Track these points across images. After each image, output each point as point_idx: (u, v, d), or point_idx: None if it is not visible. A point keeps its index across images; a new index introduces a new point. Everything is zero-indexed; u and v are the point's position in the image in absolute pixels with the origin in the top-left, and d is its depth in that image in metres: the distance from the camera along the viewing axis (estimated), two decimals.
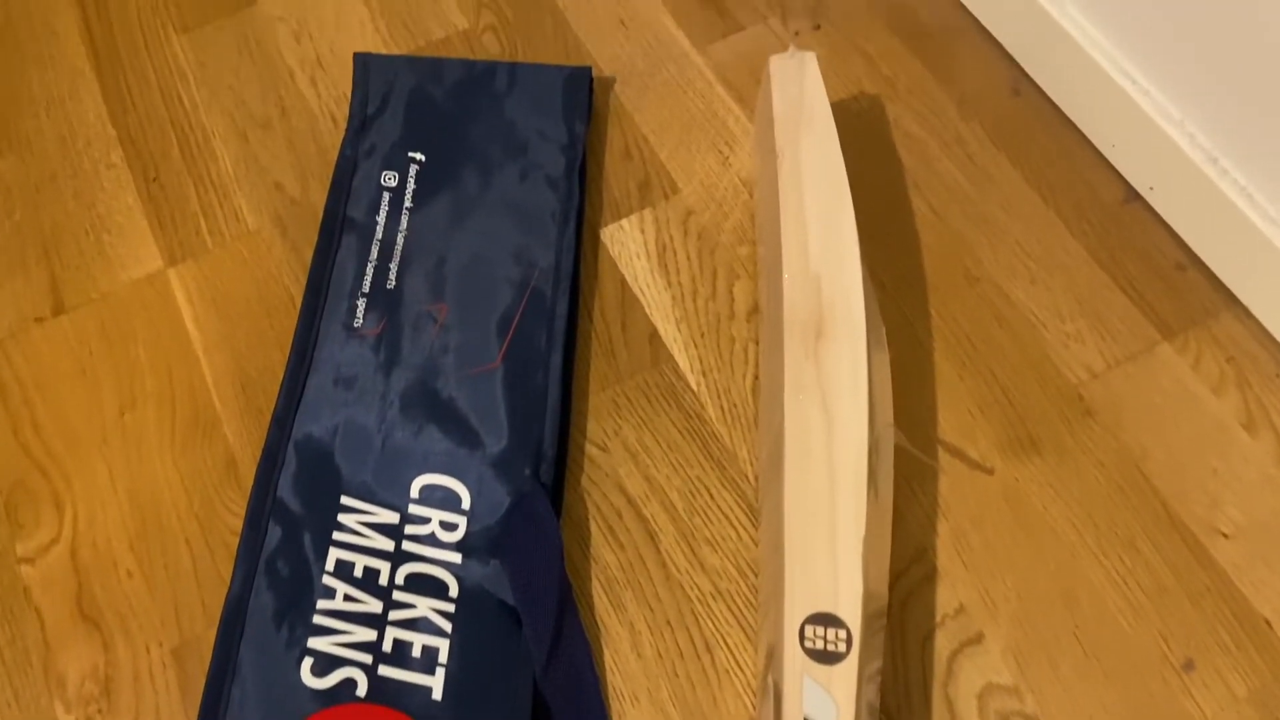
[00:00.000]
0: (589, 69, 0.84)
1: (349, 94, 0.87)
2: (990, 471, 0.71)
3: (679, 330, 0.77)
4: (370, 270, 0.76)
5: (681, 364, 0.75)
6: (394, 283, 0.75)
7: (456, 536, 0.66)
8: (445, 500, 0.67)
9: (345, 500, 0.67)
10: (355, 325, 0.73)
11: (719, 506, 0.70)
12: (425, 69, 0.84)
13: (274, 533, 0.66)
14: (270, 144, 0.86)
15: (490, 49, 0.89)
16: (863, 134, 0.84)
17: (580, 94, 0.83)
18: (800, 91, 0.70)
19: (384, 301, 0.74)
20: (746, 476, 0.71)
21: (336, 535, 0.66)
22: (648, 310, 0.77)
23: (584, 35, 0.90)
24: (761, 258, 0.77)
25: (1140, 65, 0.75)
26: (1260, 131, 0.68)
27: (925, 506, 0.69)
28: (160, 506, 0.71)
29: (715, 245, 0.80)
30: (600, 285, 0.79)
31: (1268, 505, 0.68)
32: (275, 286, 0.79)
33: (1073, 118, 0.82)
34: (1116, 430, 0.71)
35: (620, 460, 0.72)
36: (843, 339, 0.62)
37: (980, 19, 0.88)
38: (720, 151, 0.84)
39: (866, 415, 0.59)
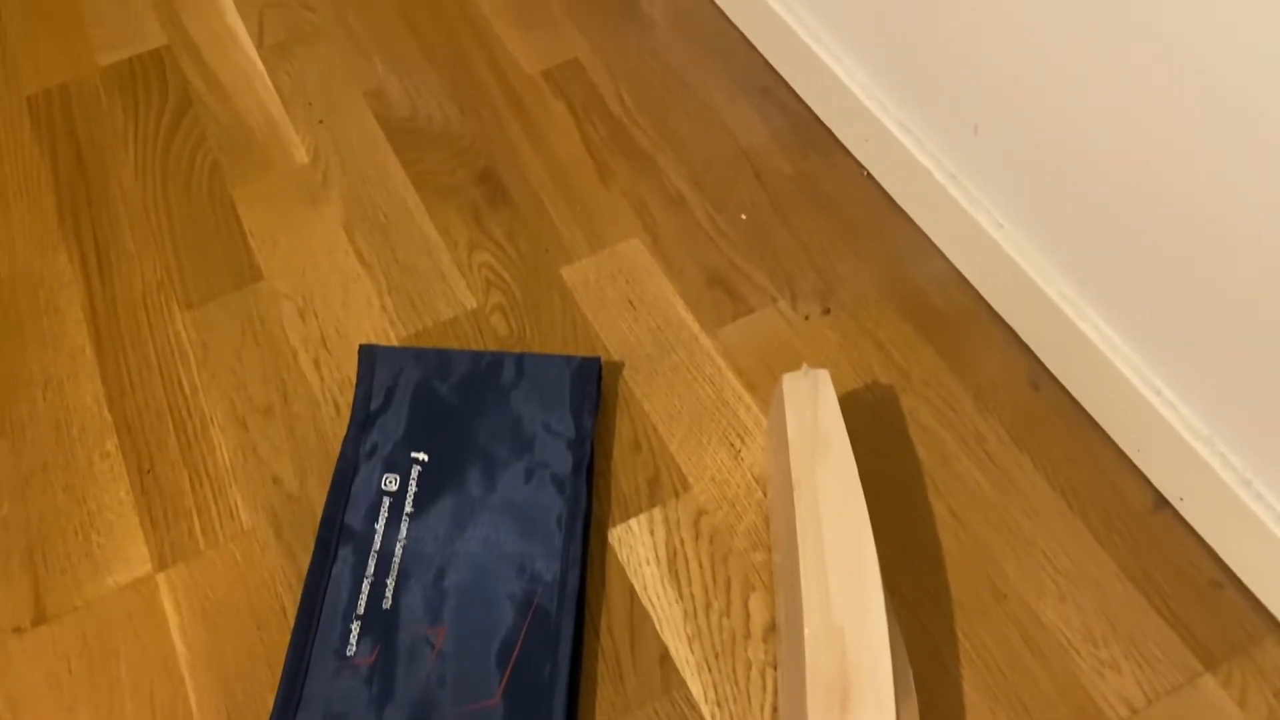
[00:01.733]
0: (598, 360, 0.83)
1: (353, 377, 0.85)
2: None
3: (691, 650, 0.72)
4: (366, 588, 0.72)
5: (694, 691, 0.71)
6: (390, 602, 0.72)
7: None
8: None
9: None
10: (348, 654, 0.69)
11: None
12: (431, 362, 0.82)
13: None
14: (270, 432, 0.83)
15: (499, 330, 0.88)
16: (878, 428, 0.82)
17: (589, 386, 0.81)
18: (815, 415, 0.68)
19: (379, 624, 0.71)
20: None
21: None
22: (658, 626, 0.74)
23: (592, 316, 0.89)
24: (777, 566, 0.73)
25: (1163, 374, 0.74)
26: None
27: None
28: None
29: (729, 551, 0.76)
30: (608, 597, 0.75)
31: None
32: (267, 594, 0.76)
33: (1095, 417, 0.80)
34: None
35: None
36: (870, 708, 0.57)
37: (994, 306, 0.87)
38: (732, 444, 0.82)
39: None
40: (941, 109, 0.84)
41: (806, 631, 0.61)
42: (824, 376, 0.71)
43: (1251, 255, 0.63)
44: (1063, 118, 0.72)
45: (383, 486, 0.77)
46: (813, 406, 0.69)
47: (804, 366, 0.71)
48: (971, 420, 0.82)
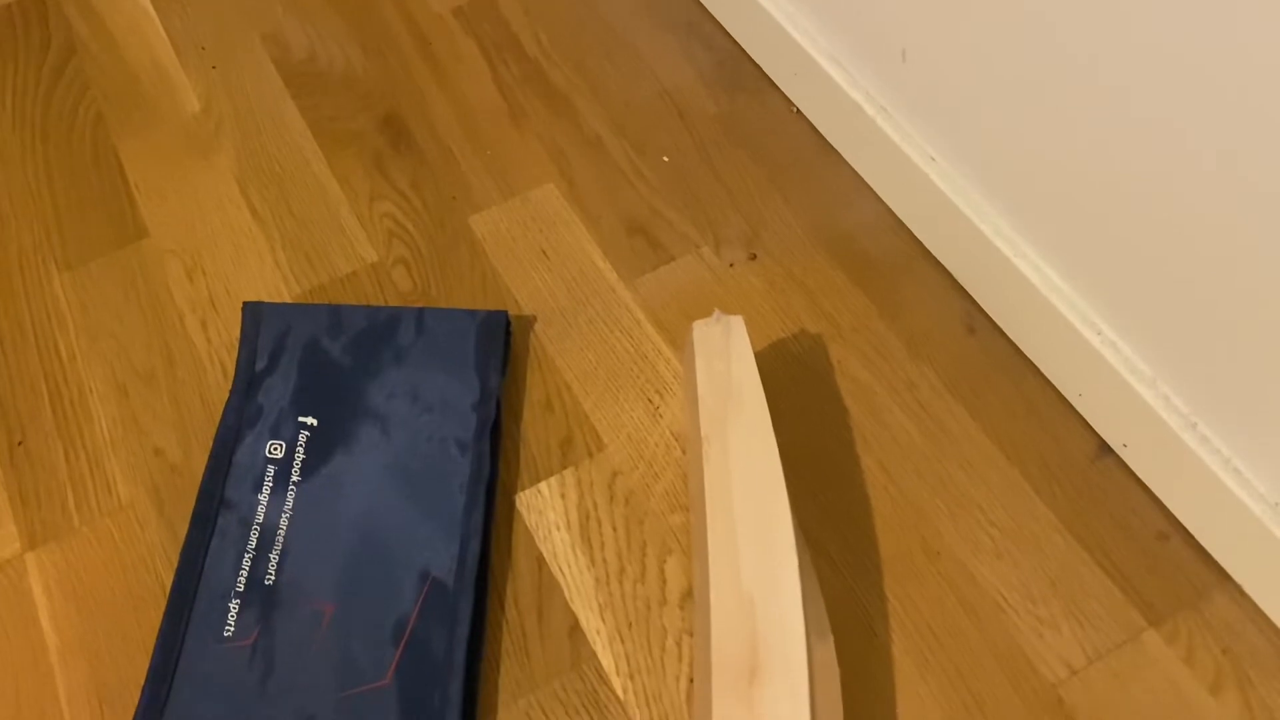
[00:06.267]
0: (505, 314, 0.77)
1: None
2: None
3: (603, 620, 0.67)
4: (247, 563, 0.66)
5: (605, 663, 0.66)
6: (273, 577, 0.66)
7: None
8: None
9: None
10: (226, 634, 0.64)
11: None
12: (321, 319, 0.76)
13: None
14: (152, 401, 0.77)
15: (401, 285, 0.82)
16: (804, 380, 0.76)
17: (495, 342, 0.76)
18: (728, 366, 0.63)
19: (261, 601, 0.65)
20: None
21: None
22: (568, 595, 0.68)
23: (502, 267, 0.83)
24: (695, 528, 0.68)
25: (1103, 312, 0.69)
26: (1244, 399, 0.61)
27: None
28: None
29: (644, 513, 0.71)
30: (514, 565, 0.70)
31: None
32: (145, 574, 0.70)
33: (1034, 360, 0.75)
34: None
35: None
36: (781, 682, 0.52)
37: (929, 247, 0.81)
38: (650, 401, 0.76)
39: None
40: (868, 34, 0.78)
41: (713, 599, 0.55)
42: (737, 323, 0.65)
43: (1194, 181, 0.57)
44: (992, 34, 0.67)
45: (267, 454, 0.71)
46: (725, 356, 0.64)
47: (716, 312, 0.66)
48: (903, 368, 0.77)
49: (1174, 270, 0.62)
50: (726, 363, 0.63)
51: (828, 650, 0.57)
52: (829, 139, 0.88)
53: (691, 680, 0.65)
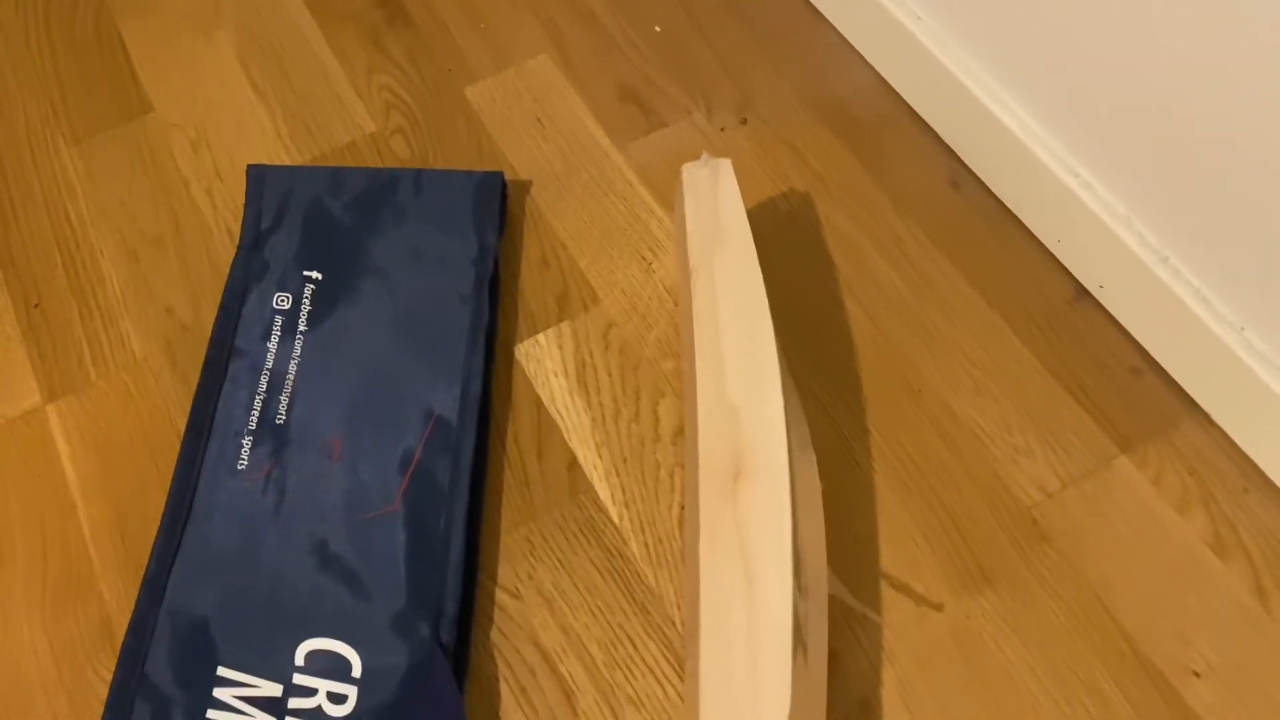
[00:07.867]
0: (501, 174, 0.79)
1: None
2: (939, 608, 0.64)
3: (599, 456, 0.70)
4: (258, 404, 0.69)
5: (602, 494, 0.69)
6: (283, 416, 0.69)
7: (345, 710, 0.59)
8: (333, 668, 0.60)
9: (222, 672, 0.60)
10: (240, 468, 0.67)
11: (642, 658, 0.64)
12: (323, 180, 0.79)
13: (141, 712, 0.59)
14: (161, 263, 0.80)
15: (399, 153, 0.84)
16: (792, 235, 0.79)
17: (492, 202, 0.78)
18: (715, 204, 0.65)
19: (272, 438, 0.68)
20: (673, 621, 0.65)
21: (211, 714, 0.59)
22: (566, 435, 0.71)
23: (498, 136, 0.85)
24: (685, 374, 0.71)
25: (1080, 156, 0.71)
26: (1211, 231, 0.64)
27: (869, 651, 0.63)
28: (25, 680, 0.64)
29: (639, 361, 0.74)
30: (515, 409, 0.73)
31: (1242, 640, 0.62)
32: (161, 422, 0.73)
33: (1015, 211, 0.78)
34: (1074, 558, 0.65)
35: (534, 608, 0.65)
36: (764, 481, 0.56)
37: (915, 108, 0.83)
38: (643, 258, 0.79)
39: (791, 572, 0.53)
40: None
41: (700, 410, 0.58)
42: (725, 165, 0.67)
43: (1165, 18, 0.59)
44: None
45: (275, 305, 0.73)
46: (712, 195, 0.66)
47: (704, 155, 0.68)
48: (889, 223, 0.79)
49: (1146, 103, 0.63)
50: (714, 201, 0.65)
51: (810, 464, 0.60)
52: (817, 6, 0.89)
53: (683, 507, 0.68)
